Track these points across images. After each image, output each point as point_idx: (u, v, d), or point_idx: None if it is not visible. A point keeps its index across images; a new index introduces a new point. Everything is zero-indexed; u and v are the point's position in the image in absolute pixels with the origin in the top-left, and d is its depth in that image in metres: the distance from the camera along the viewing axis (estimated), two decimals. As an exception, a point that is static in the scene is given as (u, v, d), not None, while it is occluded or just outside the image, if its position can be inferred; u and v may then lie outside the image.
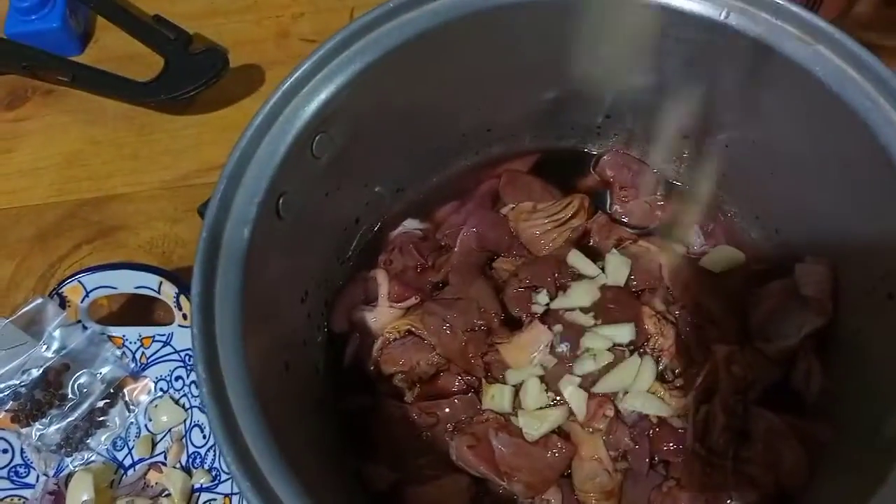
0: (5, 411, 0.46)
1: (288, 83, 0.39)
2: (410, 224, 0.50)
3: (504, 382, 0.43)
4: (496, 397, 0.43)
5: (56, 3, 0.64)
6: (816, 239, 0.43)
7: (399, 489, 0.42)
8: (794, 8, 0.37)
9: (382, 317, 0.46)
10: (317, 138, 0.40)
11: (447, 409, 0.43)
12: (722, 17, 0.38)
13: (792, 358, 0.43)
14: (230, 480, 0.44)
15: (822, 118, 0.39)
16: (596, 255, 0.46)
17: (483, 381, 0.44)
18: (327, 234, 0.46)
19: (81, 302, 0.47)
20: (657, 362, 0.42)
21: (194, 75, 0.59)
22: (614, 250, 0.46)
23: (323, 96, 0.39)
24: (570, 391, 0.42)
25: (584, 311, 0.44)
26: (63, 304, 0.47)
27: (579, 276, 0.45)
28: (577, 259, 0.46)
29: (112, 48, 0.67)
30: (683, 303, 0.44)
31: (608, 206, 0.50)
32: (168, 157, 0.61)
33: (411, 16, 0.40)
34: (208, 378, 0.33)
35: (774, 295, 0.43)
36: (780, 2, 0.38)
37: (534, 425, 0.42)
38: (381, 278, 0.47)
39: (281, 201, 0.38)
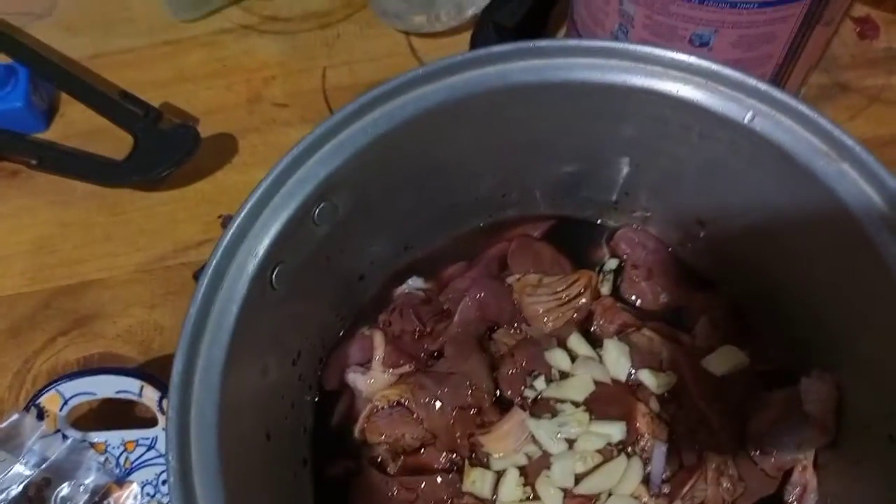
0: (-11, 534, 0.44)
1: (294, 153, 0.38)
2: (415, 283, 0.50)
3: (487, 467, 0.43)
4: (477, 482, 0.42)
5: (18, 82, 0.62)
6: (826, 350, 0.42)
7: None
8: (822, 120, 0.36)
9: (374, 381, 0.46)
10: (319, 207, 0.39)
11: (427, 487, 0.43)
12: (746, 121, 0.37)
13: (787, 472, 0.41)
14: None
15: (836, 237, 0.37)
16: (597, 341, 0.46)
17: (466, 462, 0.43)
18: (327, 295, 0.46)
19: (60, 411, 0.46)
20: (645, 465, 0.41)
21: (165, 154, 0.58)
22: (615, 338, 0.45)
23: (329, 167, 0.39)
24: (548, 491, 0.41)
25: (576, 404, 0.43)
26: (41, 414, 0.45)
27: (576, 364, 0.44)
28: (578, 344, 0.45)
29: (78, 123, 0.65)
30: (679, 402, 0.43)
31: (617, 283, 0.49)
32: (142, 237, 0.59)
33: (427, 89, 0.39)
34: (178, 467, 0.32)
35: (776, 405, 0.42)
36: (807, 112, 0.36)
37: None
38: (378, 341, 0.47)
39: (276, 272, 0.38)
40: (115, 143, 0.61)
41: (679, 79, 0.39)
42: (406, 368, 0.46)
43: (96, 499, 0.46)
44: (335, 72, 0.66)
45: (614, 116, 0.42)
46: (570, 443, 0.42)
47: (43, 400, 0.45)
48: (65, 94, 0.66)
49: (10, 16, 0.70)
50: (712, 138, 0.40)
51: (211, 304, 0.35)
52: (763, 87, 0.37)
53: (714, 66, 0.38)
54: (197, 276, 0.46)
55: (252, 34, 0.69)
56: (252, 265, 0.36)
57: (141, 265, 0.58)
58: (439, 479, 0.43)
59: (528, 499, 0.41)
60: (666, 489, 0.41)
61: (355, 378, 0.46)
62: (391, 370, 0.46)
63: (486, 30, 0.63)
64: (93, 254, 0.59)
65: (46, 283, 0.58)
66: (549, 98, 0.41)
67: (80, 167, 0.59)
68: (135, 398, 0.46)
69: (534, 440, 0.42)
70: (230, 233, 0.36)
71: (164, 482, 0.47)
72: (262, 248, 0.37)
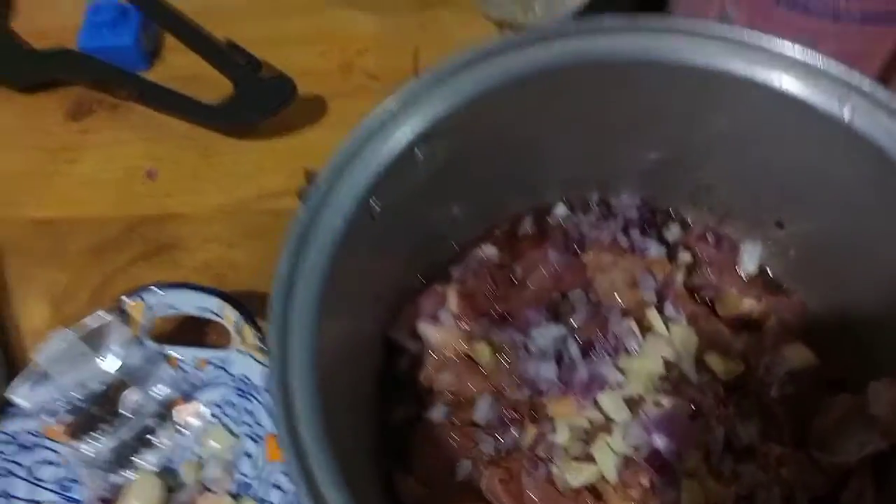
0: (60, 423, 0.46)
1: (406, 91, 0.40)
2: (490, 250, 0.51)
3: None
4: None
5: (130, 20, 0.65)
6: None
7: (424, 504, 0.43)
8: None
9: (445, 333, 0.47)
10: (422, 149, 0.41)
11: (487, 438, 0.44)
12: (846, 117, 0.38)
13: (846, 475, 0.42)
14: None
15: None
16: (666, 324, 0.46)
17: (526, 418, 0.44)
18: (411, 243, 0.47)
19: (143, 319, 0.47)
20: (706, 445, 0.42)
21: (262, 102, 0.61)
22: (684, 322, 0.46)
23: (436, 109, 0.41)
24: (603, 452, 0.41)
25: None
26: (125, 320, 0.47)
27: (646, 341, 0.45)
28: (648, 322, 0.46)
29: (178, 67, 0.68)
30: (745, 391, 0.44)
31: (689, 278, 0.50)
32: (228, 180, 0.62)
33: (538, 51, 0.41)
34: (277, 355, 0.34)
35: (842, 407, 0.42)
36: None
37: (569, 475, 0.41)
38: (452, 296, 0.48)
39: (376, 203, 0.40)
40: (210, 90, 0.64)
41: (783, 69, 0.40)
42: (476, 325, 0.47)
43: (163, 410, 0.48)
44: (427, 53, 0.68)
45: (710, 104, 0.43)
46: (633, 413, 0.42)
47: (128, 306, 0.47)
48: (167, 41, 0.69)
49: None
50: (807, 134, 0.41)
51: (318, 215, 0.37)
52: (867, 83, 0.38)
53: (820, 60, 0.39)
54: (301, 194, 0.49)
55: (351, 8, 0.71)
56: (360, 185, 0.38)
57: (223, 206, 0.61)
58: (498, 433, 0.44)
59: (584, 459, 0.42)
60: (726, 470, 0.41)
61: (426, 328, 0.47)
62: (462, 325, 0.47)
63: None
64: (179, 189, 0.62)
65: (133, 210, 0.61)
66: (649, 77, 0.43)
67: (180, 105, 0.62)
68: (214, 317, 0.48)
69: (597, 406, 0.43)
70: (344, 150, 0.38)
71: (229, 404, 0.48)
72: (370, 172, 0.39)
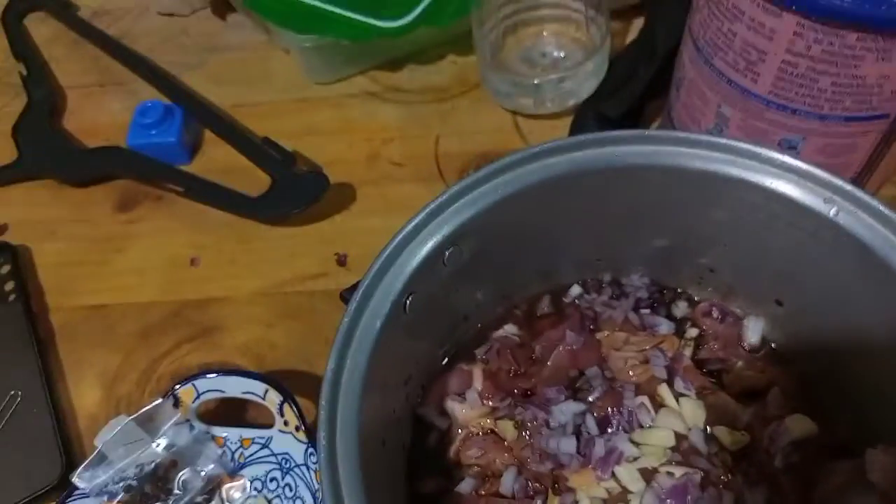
0: (117, 502, 0.49)
1: (439, 200, 0.45)
2: (510, 329, 0.55)
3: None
4: (559, 510, 0.46)
5: (174, 119, 0.71)
6: (892, 427, 0.45)
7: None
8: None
9: (471, 410, 0.51)
10: (449, 251, 0.46)
11: None
12: (831, 215, 0.43)
13: None
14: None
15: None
16: (676, 398, 0.50)
17: (549, 490, 0.48)
18: (438, 327, 0.52)
19: (192, 403, 0.51)
20: None
21: (298, 195, 0.66)
22: (693, 396, 0.50)
23: (463, 216, 0.45)
24: None
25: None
26: (176, 403, 0.51)
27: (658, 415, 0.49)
28: (661, 396, 0.49)
29: (217, 160, 0.74)
30: (751, 461, 0.47)
31: (696, 352, 0.54)
32: (264, 265, 0.66)
33: (552, 161, 0.46)
34: (327, 446, 0.38)
35: (842, 474, 0.45)
36: (886, 211, 0.42)
37: (590, 547, 0.45)
38: (477, 374, 0.52)
39: (409, 300, 0.44)
40: (247, 181, 0.70)
41: (773, 174, 0.45)
42: (500, 402, 0.51)
43: (210, 486, 0.52)
44: (447, 140, 0.74)
45: (709, 201, 0.48)
46: (647, 483, 0.46)
47: (180, 391, 0.51)
48: (207, 136, 0.75)
49: (167, 64, 0.81)
50: (798, 228, 0.45)
51: (359, 317, 0.42)
52: (848, 186, 0.43)
53: (805, 166, 0.44)
54: (343, 296, 0.53)
55: (375, 100, 0.78)
56: (396, 287, 0.43)
57: (260, 289, 0.65)
58: (523, 504, 0.47)
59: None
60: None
61: (453, 405, 0.51)
62: (487, 402, 0.51)
63: (587, 118, 0.70)
64: (220, 274, 0.66)
65: (177, 295, 0.65)
66: (653, 179, 0.48)
67: (222, 199, 0.67)
68: (258, 400, 0.52)
69: (614, 477, 0.46)
70: (381, 259, 0.43)
71: (271, 479, 0.52)
72: (404, 276, 0.43)
